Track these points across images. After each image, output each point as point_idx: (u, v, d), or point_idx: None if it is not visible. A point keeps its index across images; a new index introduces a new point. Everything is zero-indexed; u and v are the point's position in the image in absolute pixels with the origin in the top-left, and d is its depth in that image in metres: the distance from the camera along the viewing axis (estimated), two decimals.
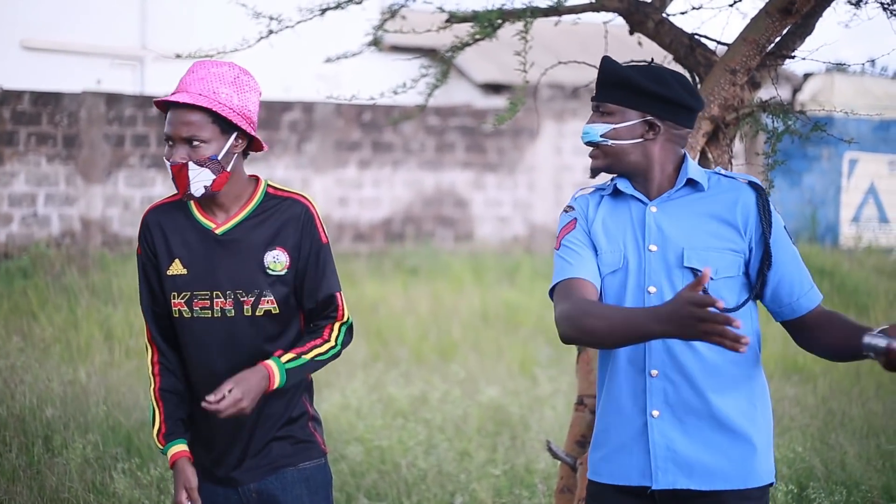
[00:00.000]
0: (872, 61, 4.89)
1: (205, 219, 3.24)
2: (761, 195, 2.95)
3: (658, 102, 2.93)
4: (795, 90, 17.07)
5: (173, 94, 3.15)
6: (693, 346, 2.88)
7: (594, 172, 3.04)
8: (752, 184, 2.98)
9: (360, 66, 9.65)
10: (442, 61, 4.73)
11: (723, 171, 3.03)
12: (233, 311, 3.19)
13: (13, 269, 11.42)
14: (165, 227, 3.25)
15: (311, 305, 3.25)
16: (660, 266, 2.92)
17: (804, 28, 4.20)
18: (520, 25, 4.38)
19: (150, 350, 3.31)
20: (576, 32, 8.52)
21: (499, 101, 17.91)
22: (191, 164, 3.13)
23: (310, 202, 3.26)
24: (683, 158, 3.00)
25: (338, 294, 3.28)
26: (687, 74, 4.26)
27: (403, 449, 6.19)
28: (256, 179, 3.30)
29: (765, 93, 4.30)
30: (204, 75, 3.15)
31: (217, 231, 3.22)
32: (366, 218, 15.62)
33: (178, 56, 4.63)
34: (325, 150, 15.33)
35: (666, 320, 2.59)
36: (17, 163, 13.09)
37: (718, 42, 4.27)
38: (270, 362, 3.14)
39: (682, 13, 4.48)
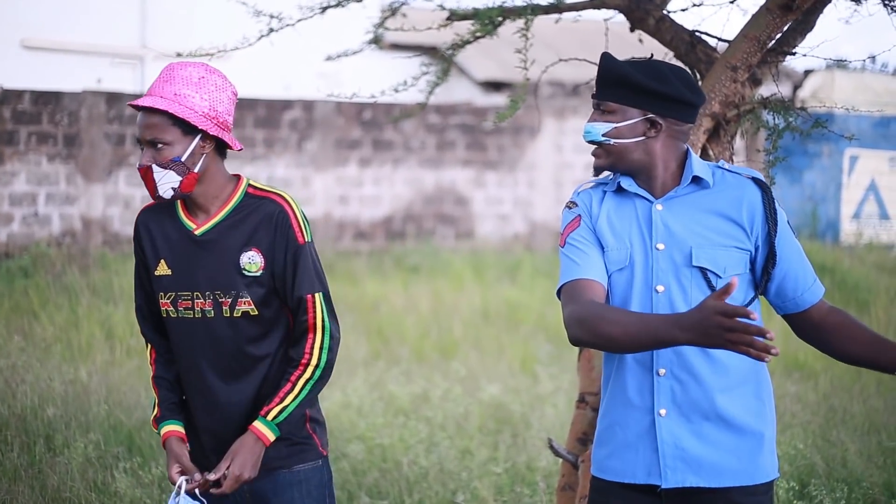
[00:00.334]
0: (873, 58, 4.88)
1: (187, 220, 3.26)
2: (766, 192, 2.94)
3: (658, 100, 2.91)
4: (796, 87, 17.06)
5: (145, 96, 3.18)
6: None
7: (597, 171, 3.03)
8: (756, 180, 2.97)
9: (361, 64, 9.63)
10: (442, 59, 4.73)
11: (726, 166, 3.01)
12: (212, 311, 3.21)
13: (14, 269, 11.42)
14: (153, 228, 3.29)
15: (291, 307, 3.24)
16: (667, 265, 2.92)
17: (805, 25, 4.20)
18: (520, 23, 4.37)
19: (147, 345, 3.40)
20: (576, 30, 8.52)
21: (499, 99, 17.91)
22: (154, 167, 3.16)
23: (287, 201, 3.23)
24: (686, 154, 2.99)
25: (310, 297, 3.21)
26: (689, 71, 4.25)
27: (405, 447, 6.19)
28: (238, 179, 3.30)
29: (766, 89, 4.30)
30: (169, 78, 3.17)
31: (196, 232, 3.24)
32: (366, 216, 15.62)
33: (179, 55, 4.62)
34: (326, 148, 15.33)
35: (689, 328, 2.58)
36: (17, 162, 13.09)
37: (719, 39, 4.27)
38: (257, 424, 3.16)
39: (683, 10, 4.48)
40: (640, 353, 2.90)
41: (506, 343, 9.81)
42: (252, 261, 3.20)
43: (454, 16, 4.54)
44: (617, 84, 2.94)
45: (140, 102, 3.15)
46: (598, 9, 4.43)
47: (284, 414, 3.17)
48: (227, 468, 3.14)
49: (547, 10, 4.37)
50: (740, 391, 2.92)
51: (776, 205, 2.95)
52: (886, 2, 4.16)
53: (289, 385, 3.18)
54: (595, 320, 2.78)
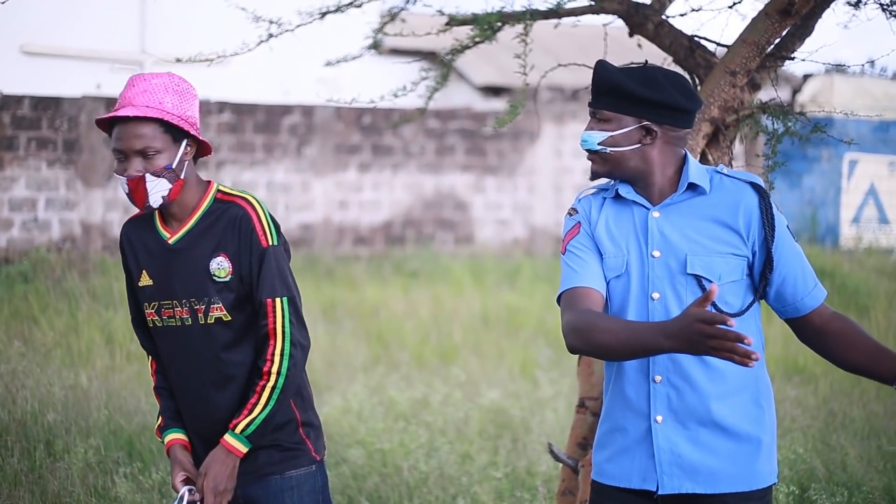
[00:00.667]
0: (872, 62, 4.89)
1: (163, 229, 3.27)
2: (764, 197, 2.94)
3: (653, 107, 2.91)
4: (795, 91, 17.07)
5: (118, 109, 3.15)
6: None
7: (594, 176, 3.04)
8: (754, 185, 2.96)
9: (360, 69, 9.64)
10: (442, 64, 4.73)
11: (725, 171, 3.01)
12: (189, 319, 3.22)
13: (14, 274, 11.42)
14: (134, 240, 3.30)
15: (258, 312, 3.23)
16: (663, 272, 2.92)
17: (803, 29, 4.20)
18: (519, 28, 4.38)
19: (148, 356, 3.41)
20: (576, 35, 8.52)
21: (499, 104, 17.91)
22: (148, 176, 3.14)
23: (251, 204, 3.22)
24: (684, 159, 2.99)
25: (269, 301, 3.17)
26: (687, 76, 4.26)
27: (405, 452, 6.19)
28: (208, 185, 3.30)
29: (764, 94, 4.30)
30: (146, 87, 3.17)
31: (170, 241, 3.25)
32: (366, 221, 15.62)
33: (178, 60, 4.63)
34: (325, 153, 15.33)
35: (674, 336, 2.59)
36: (17, 167, 13.10)
37: (718, 44, 4.28)
38: (227, 437, 3.18)
39: (682, 15, 4.48)
40: (636, 360, 2.91)
41: (506, 348, 9.80)
42: (221, 266, 3.20)
43: (453, 21, 4.54)
44: (611, 93, 2.93)
45: (126, 113, 3.13)
46: (598, 14, 4.44)
47: (253, 427, 3.17)
48: (202, 484, 3.17)
49: (546, 15, 4.38)
50: (738, 398, 2.93)
51: (774, 209, 2.94)
52: (885, 6, 4.17)
53: (255, 396, 3.17)
54: (589, 329, 2.80)
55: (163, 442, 3.32)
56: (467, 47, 4.52)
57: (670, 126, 2.94)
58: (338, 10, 4.71)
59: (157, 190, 3.16)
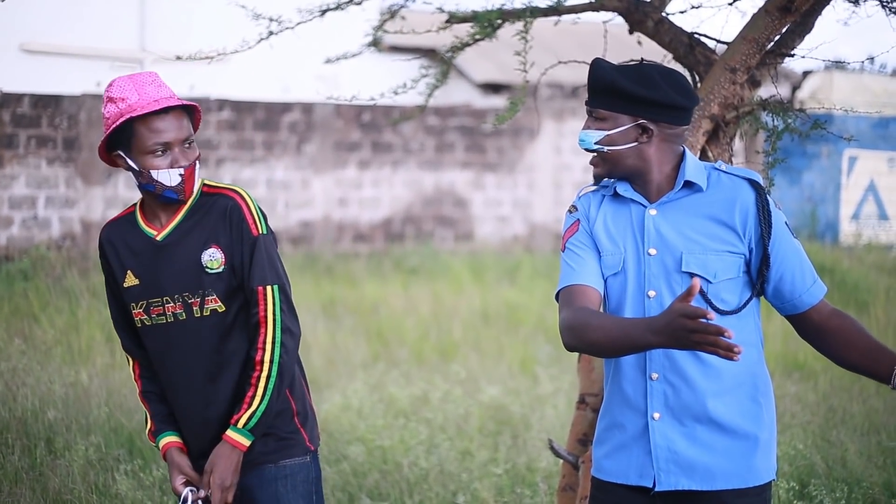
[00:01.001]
0: (871, 59, 4.90)
1: (148, 227, 3.28)
2: (761, 194, 2.93)
3: (648, 105, 2.91)
4: (795, 88, 17.08)
5: (155, 101, 3.16)
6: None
7: (597, 180, 3.05)
8: (751, 182, 2.96)
9: (360, 66, 9.65)
10: (441, 61, 4.73)
11: (724, 167, 3.01)
12: (183, 314, 3.23)
13: (14, 272, 11.42)
14: (116, 242, 3.30)
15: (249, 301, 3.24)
16: (659, 270, 2.93)
17: (803, 26, 4.20)
18: (519, 25, 4.38)
19: (129, 360, 3.39)
20: (575, 32, 8.53)
21: (498, 101, 17.91)
22: (197, 164, 3.22)
23: (239, 195, 3.25)
24: (682, 156, 2.99)
25: (260, 289, 3.19)
26: (686, 73, 4.26)
27: (405, 448, 6.20)
28: None
29: (764, 91, 4.31)
30: (153, 80, 3.21)
31: (158, 238, 3.25)
32: (365, 218, 15.62)
33: (178, 58, 4.64)
34: (325, 150, 15.33)
35: (660, 332, 2.60)
36: (17, 165, 13.10)
37: (718, 41, 4.28)
38: (230, 433, 3.18)
39: (682, 12, 4.49)
40: (633, 356, 2.92)
41: (505, 344, 9.81)
42: (213, 258, 3.21)
43: (453, 18, 4.55)
44: (606, 91, 2.93)
45: (173, 103, 3.16)
46: (597, 11, 4.44)
47: (255, 419, 3.18)
48: (209, 481, 3.17)
49: (546, 12, 4.38)
50: (734, 394, 2.93)
51: (771, 206, 2.94)
52: (885, 3, 4.17)
53: (252, 389, 3.18)
54: (582, 327, 2.81)
55: (156, 446, 3.32)
56: (467, 44, 4.53)
57: (667, 124, 2.94)
58: (338, 7, 4.71)
59: (198, 177, 3.22)
